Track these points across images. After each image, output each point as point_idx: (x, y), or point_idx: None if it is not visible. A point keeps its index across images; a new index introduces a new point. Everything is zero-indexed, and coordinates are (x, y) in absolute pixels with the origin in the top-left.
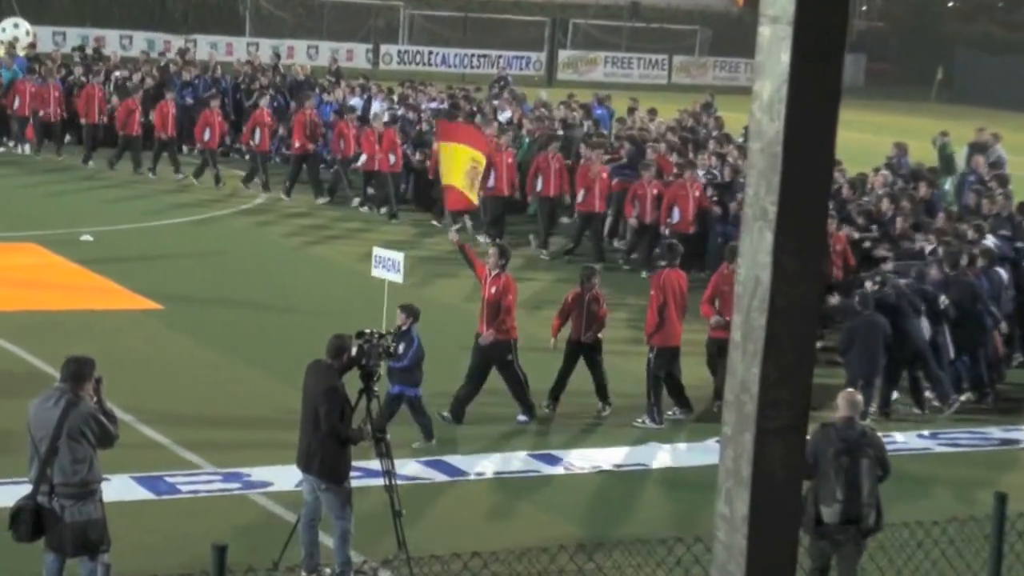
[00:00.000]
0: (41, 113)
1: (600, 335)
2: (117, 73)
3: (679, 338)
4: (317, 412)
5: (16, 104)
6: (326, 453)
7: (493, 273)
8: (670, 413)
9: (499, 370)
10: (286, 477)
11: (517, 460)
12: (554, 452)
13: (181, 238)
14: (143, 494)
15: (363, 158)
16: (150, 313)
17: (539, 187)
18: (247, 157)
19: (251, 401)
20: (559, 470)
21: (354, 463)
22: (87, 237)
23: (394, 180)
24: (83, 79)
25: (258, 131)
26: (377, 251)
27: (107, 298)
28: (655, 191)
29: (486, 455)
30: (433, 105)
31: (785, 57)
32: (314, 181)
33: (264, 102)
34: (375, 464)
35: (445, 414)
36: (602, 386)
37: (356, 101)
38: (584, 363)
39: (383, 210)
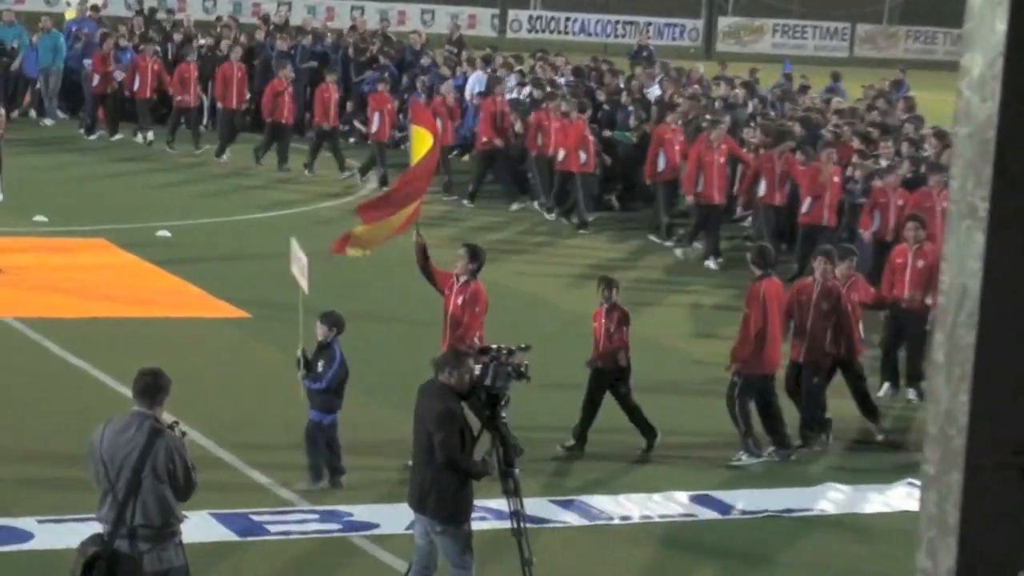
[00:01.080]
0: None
1: (622, 362)
2: (202, 41)
3: (777, 364)
4: (431, 441)
5: (137, 84)
6: (443, 489)
7: (461, 280)
8: (766, 455)
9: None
10: (395, 518)
11: (670, 502)
12: (713, 493)
13: (272, 235)
14: (225, 534)
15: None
16: (234, 322)
17: (700, 186)
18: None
19: (353, 428)
20: (718, 514)
21: (476, 502)
22: (164, 233)
23: (586, 182)
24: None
25: (378, 116)
26: (295, 247)
27: (185, 304)
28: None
29: (631, 495)
30: (566, 81)
31: (1001, 26)
32: (505, 183)
33: (384, 86)
34: (501, 503)
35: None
36: (642, 422)
37: (477, 77)
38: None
39: (573, 219)
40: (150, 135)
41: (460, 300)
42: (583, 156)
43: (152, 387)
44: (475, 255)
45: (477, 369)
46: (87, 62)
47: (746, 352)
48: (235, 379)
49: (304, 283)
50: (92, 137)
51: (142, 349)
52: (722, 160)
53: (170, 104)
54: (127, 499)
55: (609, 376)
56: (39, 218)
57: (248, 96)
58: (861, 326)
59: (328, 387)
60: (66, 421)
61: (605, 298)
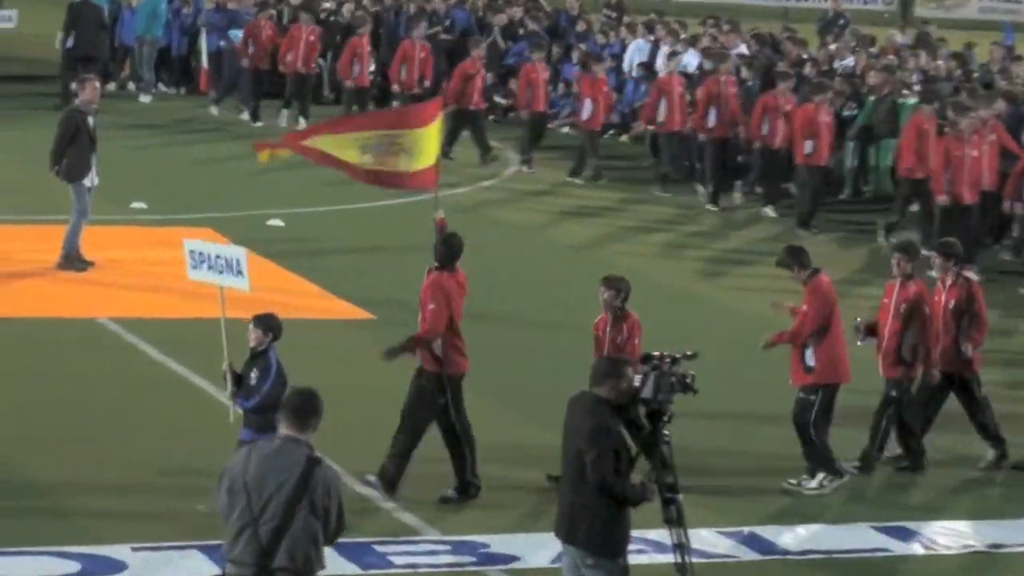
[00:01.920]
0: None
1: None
2: (327, 3)
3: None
4: (582, 460)
5: (289, 56)
6: (595, 517)
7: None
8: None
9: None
10: (538, 549)
11: (855, 533)
12: (907, 524)
13: (400, 224)
14: (344, 567)
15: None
16: (357, 324)
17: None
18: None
19: (489, 444)
20: (916, 548)
21: (633, 532)
22: (276, 222)
23: (813, 175)
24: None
25: (590, 102)
26: (191, 244)
27: (300, 304)
28: None
29: (809, 525)
30: (742, 51)
31: None
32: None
33: (540, 54)
34: (662, 534)
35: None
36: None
37: (638, 46)
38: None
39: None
40: (256, 114)
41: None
42: (809, 145)
43: (305, 410)
44: (444, 244)
45: (636, 380)
46: (235, 34)
47: (822, 362)
48: (356, 390)
49: (241, 282)
50: (258, 124)
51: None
52: (975, 154)
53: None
54: (275, 537)
55: None
56: (137, 205)
57: (372, 69)
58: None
59: (263, 403)
60: (164, 436)
61: (606, 303)
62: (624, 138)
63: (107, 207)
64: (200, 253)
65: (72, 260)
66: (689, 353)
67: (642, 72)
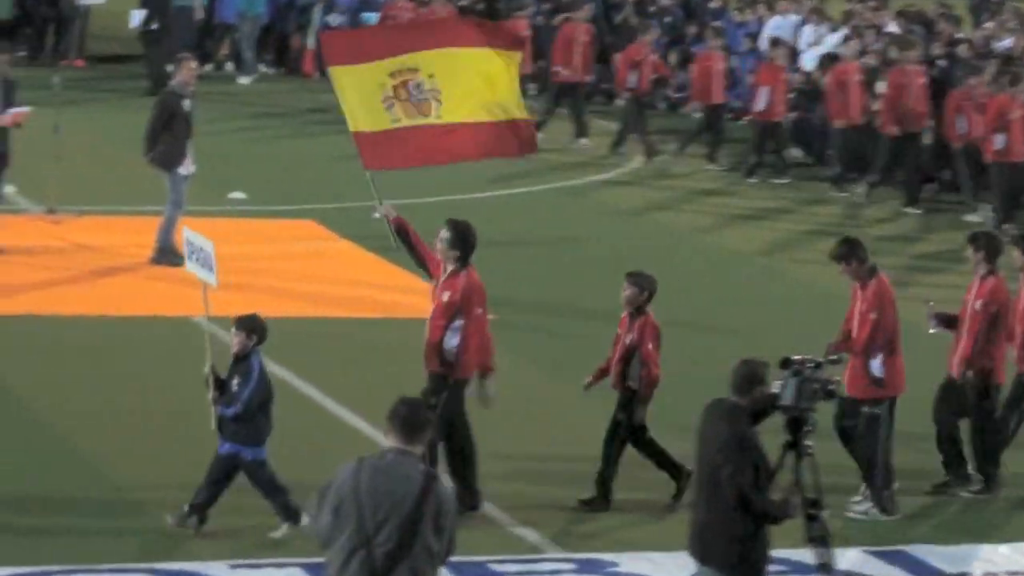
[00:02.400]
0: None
1: (638, 387)
2: None
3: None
4: (717, 473)
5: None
6: (731, 535)
7: (448, 270)
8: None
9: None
10: (672, 568)
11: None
12: None
13: (525, 214)
14: None
15: None
16: None
17: None
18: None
19: (627, 457)
20: None
21: (772, 551)
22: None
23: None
24: None
25: (767, 91)
26: (188, 234)
27: (411, 302)
28: None
29: (973, 546)
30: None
31: None
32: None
33: (650, 36)
34: (804, 554)
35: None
36: (673, 467)
37: (776, 23)
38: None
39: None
40: None
41: (445, 296)
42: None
43: (414, 422)
44: (460, 238)
45: (775, 386)
46: (369, 16)
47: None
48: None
49: (210, 277)
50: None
51: (359, 357)
52: None
53: None
54: (393, 558)
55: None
56: (236, 195)
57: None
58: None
59: (245, 411)
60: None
61: (628, 300)
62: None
63: (204, 197)
64: (193, 243)
65: (167, 254)
66: (833, 357)
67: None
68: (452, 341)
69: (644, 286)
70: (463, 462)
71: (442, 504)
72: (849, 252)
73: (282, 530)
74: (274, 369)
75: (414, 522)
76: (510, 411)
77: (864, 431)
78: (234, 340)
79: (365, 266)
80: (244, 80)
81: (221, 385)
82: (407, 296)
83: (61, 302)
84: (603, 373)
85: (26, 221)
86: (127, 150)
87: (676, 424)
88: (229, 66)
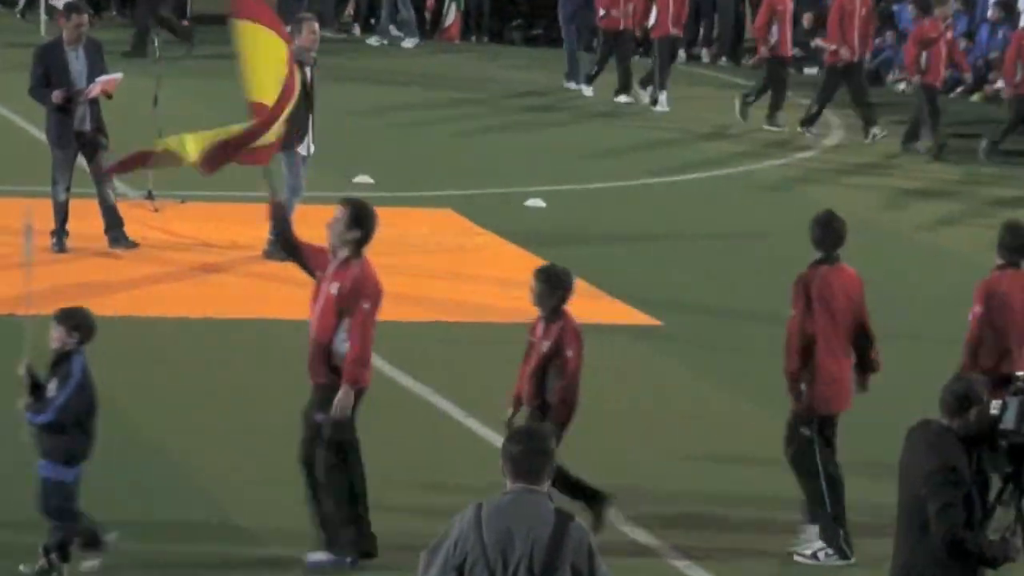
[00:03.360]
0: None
1: (558, 403)
2: None
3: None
4: (923, 509)
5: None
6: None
7: (339, 257)
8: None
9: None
10: None
11: None
12: None
13: (696, 206)
14: None
15: None
16: (640, 332)
17: None
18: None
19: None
20: None
21: None
22: (536, 202)
23: None
24: None
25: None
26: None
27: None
28: None
29: None
30: None
31: None
32: None
33: None
34: None
35: None
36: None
37: None
38: None
39: None
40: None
41: (334, 290)
42: None
43: (540, 458)
44: (357, 217)
45: (994, 407)
46: None
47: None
48: (637, 414)
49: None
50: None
51: (506, 368)
52: None
53: None
54: None
55: None
56: (362, 179)
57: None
58: None
59: (57, 420)
60: (391, 458)
61: (537, 299)
62: (975, 97)
63: (326, 181)
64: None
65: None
66: None
67: (1000, 14)
68: (344, 344)
69: (556, 283)
70: (351, 500)
71: (580, 547)
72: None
73: (91, 563)
74: (402, 381)
75: (550, 570)
76: (685, 431)
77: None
78: (54, 335)
79: (511, 261)
80: (408, 43)
81: (36, 387)
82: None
83: (163, 302)
84: (519, 400)
85: (124, 209)
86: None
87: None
88: (356, 29)
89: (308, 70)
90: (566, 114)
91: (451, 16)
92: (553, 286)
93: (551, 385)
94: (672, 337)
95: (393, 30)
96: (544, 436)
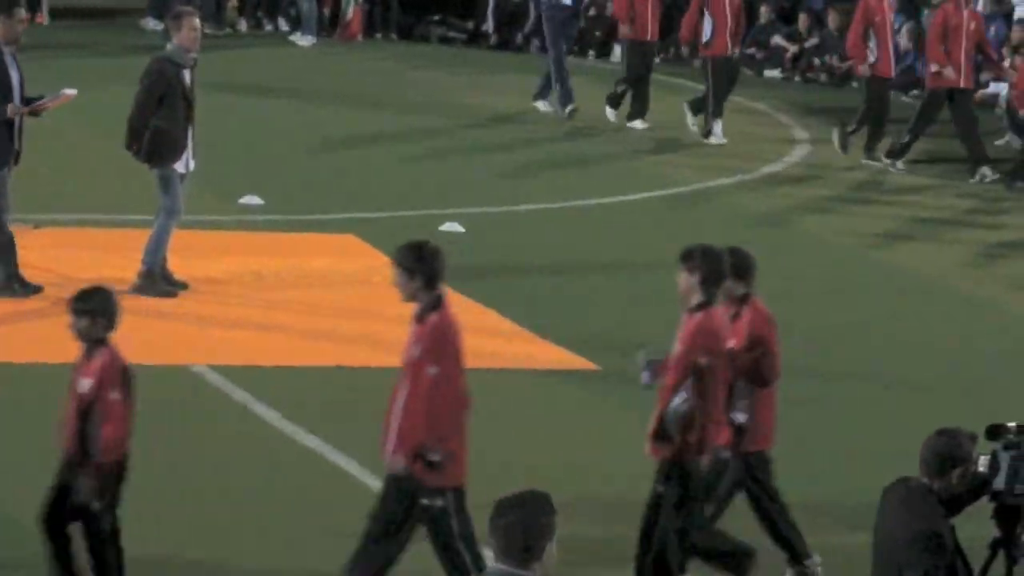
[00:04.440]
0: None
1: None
2: None
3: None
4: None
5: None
6: None
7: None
8: None
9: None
10: None
11: None
12: None
13: (631, 230)
14: None
15: None
16: (571, 377)
17: None
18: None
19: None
20: None
21: None
22: (453, 226)
23: None
24: None
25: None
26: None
27: (488, 348)
28: None
29: None
30: None
31: None
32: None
33: None
34: None
35: None
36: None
37: None
38: None
39: None
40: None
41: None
42: None
43: (526, 532)
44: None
45: (982, 463)
46: None
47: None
48: (575, 471)
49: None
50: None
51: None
52: None
53: None
54: None
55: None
56: (250, 200)
57: None
58: None
59: None
60: (294, 532)
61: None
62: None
63: (210, 203)
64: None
65: (156, 280)
66: None
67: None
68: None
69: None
70: None
71: None
72: None
73: None
74: (305, 442)
75: None
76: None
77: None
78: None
79: None
80: (304, 41)
81: None
82: (485, 339)
83: (12, 346)
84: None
85: None
86: (102, 138)
87: (848, 517)
88: (242, 25)
89: (187, 73)
90: (489, 127)
91: (351, 10)
92: (93, 316)
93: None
94: (609, 382)
95: (284, 25)
96: (540, 504)
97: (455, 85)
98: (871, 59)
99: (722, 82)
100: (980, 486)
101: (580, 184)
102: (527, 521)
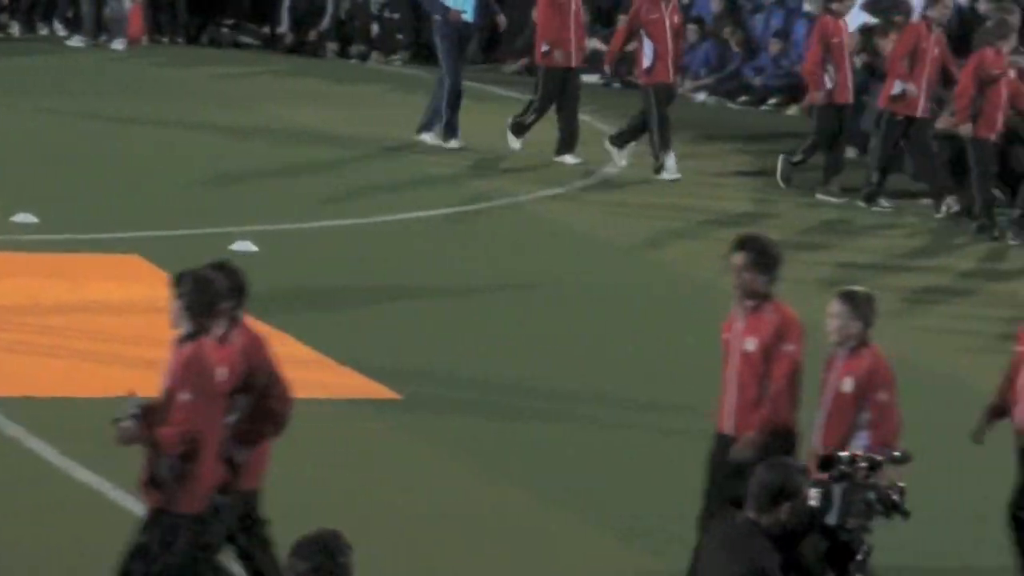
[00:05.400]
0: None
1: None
2: None
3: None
4: None
5: None
6: None
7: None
8: None
9: None
10: None
11: None
12: None
13: (432, 249)
14: None
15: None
16: (371, 406)
17: None
18: None
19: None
20: None
21: None
22: (244, 245)
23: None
24: None
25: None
26: None
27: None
28: None
29: None
30: None
31: None
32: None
33: None
34: None
35: None
36: None
37: None
38: None
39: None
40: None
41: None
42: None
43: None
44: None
45: (812, 496)
46: None
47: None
48: (381, 508)
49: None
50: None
51: None
52: None
53: None
54: None
55: None
56: (23, 218)
57: None
58: None
59: None
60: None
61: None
62: (792, 110)
63: None
64: None
65: None
66: (897, 455)
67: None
68: None
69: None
70: None
71: None
72: None
73: None
74: (81, 476)
75: None
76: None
77: None
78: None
79: None
80: (75, 42)
81: None
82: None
83: None
84: None
85: None
86: None
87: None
88: (14, 29)
89: None
90: (283, 138)
91: (126, 6)
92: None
93: None
94: (413, 411)
95: (60, 28)
96: (337, 545)
97: (246, 93)
98: (828, 85)
99: (665, 112)
100: (810, 520)
101: (379, 200)
102: (325, 565)
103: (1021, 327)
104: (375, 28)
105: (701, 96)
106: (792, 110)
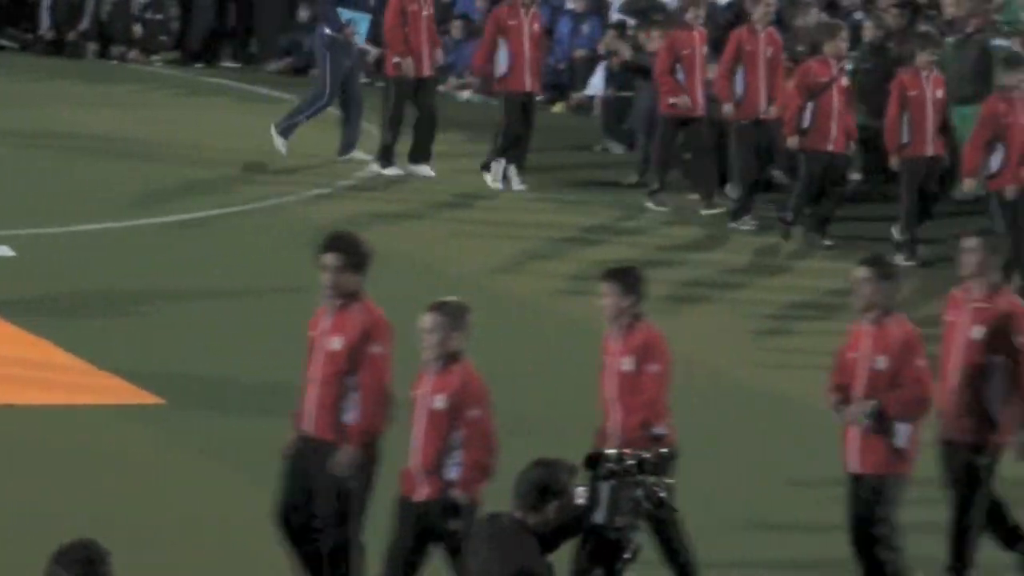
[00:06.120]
0: None
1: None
2: None
3: None
4: None
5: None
6: None
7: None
8: None
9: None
10: None
11: None
12: None
13: (199, 255)
14: None
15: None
16: (135, 412)
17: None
18: None
19: None
20: None
21: None
22: (2, 250)
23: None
24: None
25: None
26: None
27: (43, 381)
28: None
29: None
30: None
31: None
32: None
33: None
34: None
35: None
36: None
37: None
38: None
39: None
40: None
41: None
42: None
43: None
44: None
45: (579, 495)
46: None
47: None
48: (139, 516)
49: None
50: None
51: None
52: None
53: None
54: None
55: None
56: None
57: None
58: None
59: None
60: None
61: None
62: (557, 107)
63: None
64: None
65: None
66: (664, 451)
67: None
68: None
69: None
70: None
71: None
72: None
73: None
74: None
75: None
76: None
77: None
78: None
79: None
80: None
81: None
82: (39, 372)
83: None
84: None
85: None
86: None
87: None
88: None
89: None
90: (40, 141)
91: None
92: None
93: None
94: (177, 416)
95: None
96: (97, 554)
97: (32, 92)
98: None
99: (514, 120)
100: (577, 519)
101: (140, 204)
102: (87, 573)
103: (951, 294)
104: (138, 29)
105: (466, 94)
106: (557, 107)
